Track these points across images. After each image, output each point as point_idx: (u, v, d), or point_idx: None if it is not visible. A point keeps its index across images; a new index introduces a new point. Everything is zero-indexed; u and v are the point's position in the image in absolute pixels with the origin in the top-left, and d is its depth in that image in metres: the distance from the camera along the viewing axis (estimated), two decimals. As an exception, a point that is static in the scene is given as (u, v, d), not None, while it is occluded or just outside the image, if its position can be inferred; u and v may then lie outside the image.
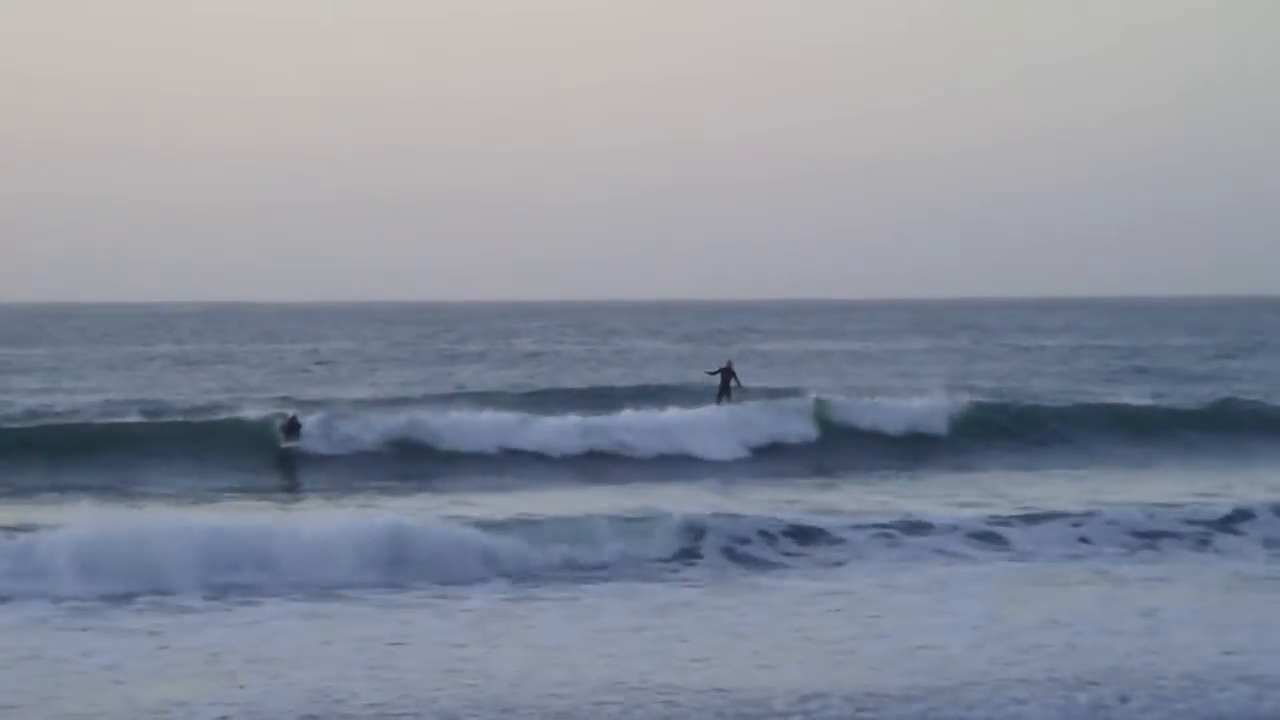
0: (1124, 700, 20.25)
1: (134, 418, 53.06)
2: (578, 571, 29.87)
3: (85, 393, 69.47)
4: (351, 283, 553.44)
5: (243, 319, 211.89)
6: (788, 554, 31.76)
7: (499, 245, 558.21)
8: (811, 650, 23.08)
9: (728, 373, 54.62)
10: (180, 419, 52.94)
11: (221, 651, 22.84)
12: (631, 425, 50.49)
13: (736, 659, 22.50)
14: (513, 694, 20.50)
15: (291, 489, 43.58)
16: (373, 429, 49.76)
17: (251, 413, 52.17)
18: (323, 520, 32.42)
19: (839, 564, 31.02)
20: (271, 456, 47.63)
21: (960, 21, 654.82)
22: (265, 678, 21.26)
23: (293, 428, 48.51)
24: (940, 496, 39.80)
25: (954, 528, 33.79)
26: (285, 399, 60.77)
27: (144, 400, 62.48)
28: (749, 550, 31.89)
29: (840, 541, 32.54)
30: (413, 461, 47.66)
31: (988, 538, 33.32)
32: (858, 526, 33.55)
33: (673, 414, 51.26)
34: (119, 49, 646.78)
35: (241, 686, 20.83)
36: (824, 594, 27.90)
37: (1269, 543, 33.56)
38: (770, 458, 49.45)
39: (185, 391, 70.62)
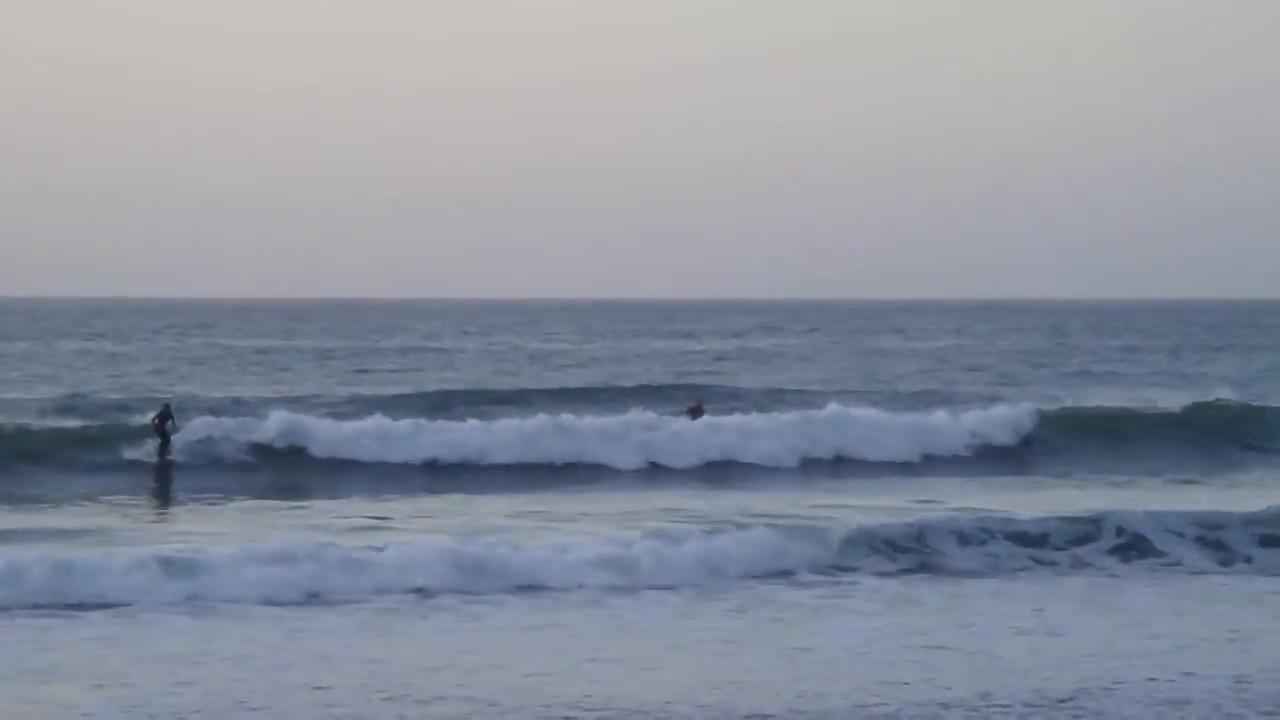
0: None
1: None
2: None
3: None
4: (345, 281, 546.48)
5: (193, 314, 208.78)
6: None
7: (495, 243, 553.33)
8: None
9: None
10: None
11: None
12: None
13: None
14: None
15: (160, 497, 42.94)
16: (259, 433, 48.46)
17: (129, 418, 50.99)
18: None
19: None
20: (139, 463, 46.61)
21: (957, 19, 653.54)
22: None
23: (165, 431, 47.64)
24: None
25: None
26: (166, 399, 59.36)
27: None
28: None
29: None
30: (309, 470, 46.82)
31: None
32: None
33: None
34: (118, 48, 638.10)
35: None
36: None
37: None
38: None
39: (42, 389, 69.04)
